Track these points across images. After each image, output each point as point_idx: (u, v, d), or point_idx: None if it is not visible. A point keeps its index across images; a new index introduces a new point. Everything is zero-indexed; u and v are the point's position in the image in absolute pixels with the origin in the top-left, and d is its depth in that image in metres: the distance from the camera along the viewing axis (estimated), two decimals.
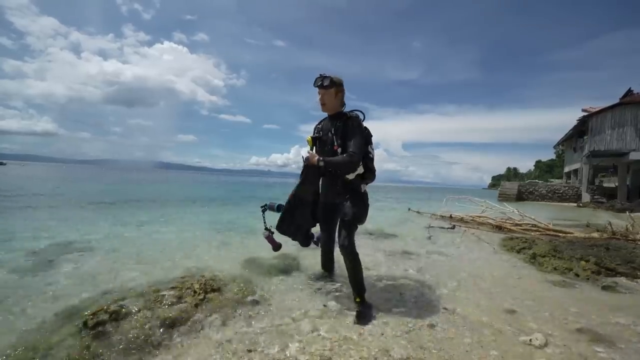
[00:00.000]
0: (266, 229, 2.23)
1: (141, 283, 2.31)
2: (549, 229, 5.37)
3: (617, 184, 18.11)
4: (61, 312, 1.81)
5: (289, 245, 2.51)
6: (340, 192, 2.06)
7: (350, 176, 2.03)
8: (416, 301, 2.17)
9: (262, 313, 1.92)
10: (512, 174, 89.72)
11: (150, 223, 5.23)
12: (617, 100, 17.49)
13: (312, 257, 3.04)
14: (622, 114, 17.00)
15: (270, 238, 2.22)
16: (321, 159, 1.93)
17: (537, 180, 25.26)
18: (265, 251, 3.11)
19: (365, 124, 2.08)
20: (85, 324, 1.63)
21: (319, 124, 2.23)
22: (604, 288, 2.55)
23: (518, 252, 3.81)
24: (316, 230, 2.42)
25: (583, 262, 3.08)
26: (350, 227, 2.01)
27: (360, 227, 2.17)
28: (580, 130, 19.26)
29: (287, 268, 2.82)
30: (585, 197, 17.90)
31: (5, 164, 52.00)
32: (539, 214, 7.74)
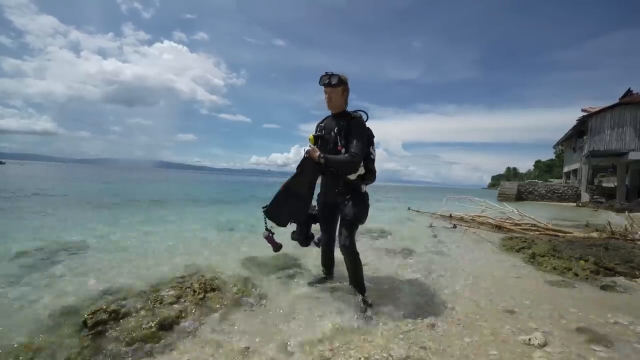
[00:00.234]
0: (266, 229, 2.23)
1: (141, 283, 2.31)
2: (548, 229, 5.38)
3: (616, 183, 18.13)
4: (61, 312, 1.81)
5: (289, 245, 2.51)
6: (341, 192, 2.06)
7: (352, 176, 2.03)
8: (416, 300, 2.17)
9: (262, 312, 1.92)
10: (511, 173, 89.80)
11: (150, 223, 5.22)
12: (616, 101, 17.51)
13: (312, 256, 3.04)
14: (622, 114, 17.01)
15: (270, 238, 2.22)
16: (322, 155, 1.93)
17: (536, 180, 25.29)
18: (265, 251, 3.11)
19: (366, 124, 2.08)
20: (84, 323, 1.64)
21: (321, 122, 2.22)
22: (603, 288, 2.55)
23: (517, 251, 3.82)
24: (316, 230, 2.42)
25: (582, 262, 3.09)
26: (351, 227, 2.01)
27: (360, 227, 2.17)
28: (580, 130, 19.28)
29: (287, 268, 2.82)
30: (585, 197, 17.92)
31: (4, 163, 51.94)
32: (539, 214, 7.75)
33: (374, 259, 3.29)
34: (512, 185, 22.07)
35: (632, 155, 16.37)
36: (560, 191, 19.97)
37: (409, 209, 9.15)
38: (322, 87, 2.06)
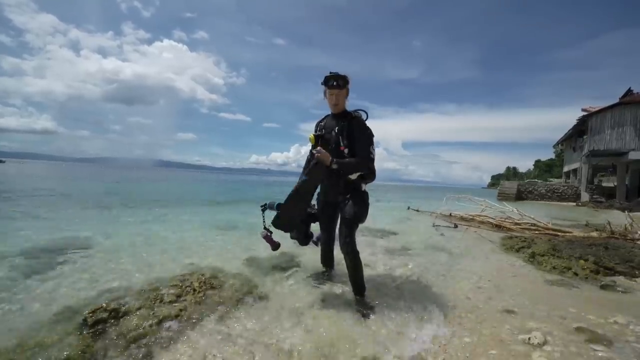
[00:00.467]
0: (265, 228, 2.23)
1: (141, 281, 2.31)
2: (548, 228, 5.38)
3: (616, 183, 18.14)
4: (61, 311, 1.81)
5: (288, 244, 2.51)
6: (342, 192, 2.06)
7: (353, 176, 2.03)
8: (416, 299, 2.17)
9: (262, 310, 1.92)
10: (511, 173, 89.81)
11: (150, 222, 5.22)
12: (616, 100, 17.49)
13: (311, 255, 3.04)
14: (622, 113, 17.00)
15: (268, 238, 2.21)
16: (334, 160, 1.90)
17: (536, 180, 25.29)
18: (264, 250, 3.12)
19: (367, 123, 2.08)
20: (84, 322, 1.64)
21: (321, 121, 2.21)
22: (603, 287, 2.55)
23: (517, 251, 3.82)
24: (315, 229, 2.42)
25: (582, 262, 3.09)
26: (351, 226, 2.01)
27: (360, 226, 2.17)
28: (580, 129, 19.27)
29: (286, 266, 2.83)
30: (584, 196, 17.93)
31: (4, 162, 51.93)
32: (538, 213, 7.76)
33: (374, 258, 3.29)
34: (512, 185, 22.08)
35: (632, 155, 16.37)
36: (560, 191, 19.98)
37: (408, 208, 9.14)
38: (324, 87, 2.03)
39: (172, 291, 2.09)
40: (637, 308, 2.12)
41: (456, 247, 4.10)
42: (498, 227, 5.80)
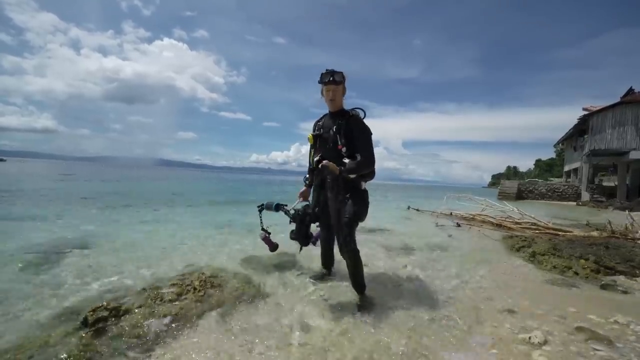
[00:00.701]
0: (262, 229, 2.21)
1: (141, 280, 2.31)
2: (548, 228, 5.38)
3: (616, 183, 18.11)
4: (61, 310, 1.82)
5: (288, 243, 2.50)
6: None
7: (352, 175, 2.03)
8: (416, 298, 2.17)
9: (262, 309, 1.93)
10: (512, 172, 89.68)
11: (151, 221, 5.23)
12: (617, 99, 17.45)
13: (311, 254, 3.04)
14: (623, 113, 16.96)
15: (267, 239, 2.21)
16: (343, 169, 1.89)
17: (536, 179, 25.23)
18: (264, 249, 3.11)
19: (365, 121, 2.07)
20: (85, 320, 1.64)
21: (319, 121, 2.21)
22: (603, 287, 2.55)
23: (518, 250, 3.82)
24: (314, 229, 2.41)
25: (582, 261, 3.09)
26: (350, 225, 2.01)
27: (360, 225, 2.17)
28: (581, 129, 19.23)
29: (286, 265, 2.83)
30: (585, 196, 17.91)
31: (5, 161, 52.02)
32: (539, 213, 7.75)
33: (374, 257, 3.29)
34: (513, 184, 22.05)
35: (633, 155, 16.34)
36: (561, 190, 19.95)
37: (408, 207, 9.13)
38: (321, 85, 2.04)
39: (172, 290, 2.09)
40: (637, 308, 2.12)
41: (456, 246, 4.10)
42: (498, 226, 5.79)
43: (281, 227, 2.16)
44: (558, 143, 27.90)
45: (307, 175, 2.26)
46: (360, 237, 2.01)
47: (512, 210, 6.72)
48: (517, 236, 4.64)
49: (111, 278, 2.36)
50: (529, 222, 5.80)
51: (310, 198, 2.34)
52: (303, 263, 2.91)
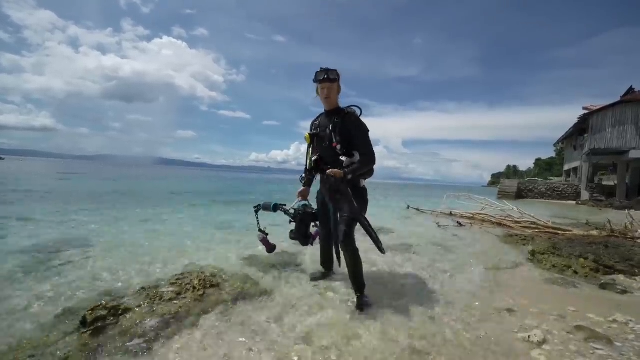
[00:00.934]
0: (260, 230, 2.20)
1: (140, 280, 2.31)
2: (548, 227, 5.38)
3: (616, 182, 18.12)
4: (60, 309, 1.81)
5: (287, 242, 2.51)
6: None
7: (357, 174, 2.02)
8: (416, 297, 2.17)
9: (261, 308, 1.92)
10: (511, 171, 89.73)
11: (150, 220, 5.22)
12: (618, 98, 17.43)
13: (311, 253, 3.04)
14: (623, 112, 16.95)
15: (264, 240, 2.20)
16: (346, 172, 1.89)
17: (536, 178, 25.23)
18: (263, 249, 3.11)
19: (365, 120, 2.06)
20: (84, 320, 1.64)
21: (315, 120, 2.21)
22: (603, 286, 2.55)
23: (517, 249, 3.82)
24: (313, 229, 2.41)
25: (582, 260, 3.09)
26: (350, 223, 2.00)
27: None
28: (581, 128, 19.22)
29: (286, 265, 2.83)
30: (585, 195, 17.92)
31: (3, 159, 51.96)
32: (538, 212, 7.75)
33: (374, 256, 3.28)
34: (512, 183, 22.06)
35: (633, 154, 16.34)
36: (560, 189, 19.97)
37: (408, 207, 9.13)
38: (316, 84, 2.04)
39: (171, 289, 2.08)
40: (636, 307, 2.12)
41: (456, 245, 4.10)
42: (498, 225, 5.79)
43: (278, 228, 2.15)
44: (558, 142, 27.90)
45: (304, 175, 2.25)
46: (360, 235, 2.01)
47: (512, 209, 6.73)
48: (516, 235, 4.64)
49: (110, 277, 2.36)
50: (528, 221, 5.80)
51: (309, 198, 2.34)
52: (302, 262, 2.91)
